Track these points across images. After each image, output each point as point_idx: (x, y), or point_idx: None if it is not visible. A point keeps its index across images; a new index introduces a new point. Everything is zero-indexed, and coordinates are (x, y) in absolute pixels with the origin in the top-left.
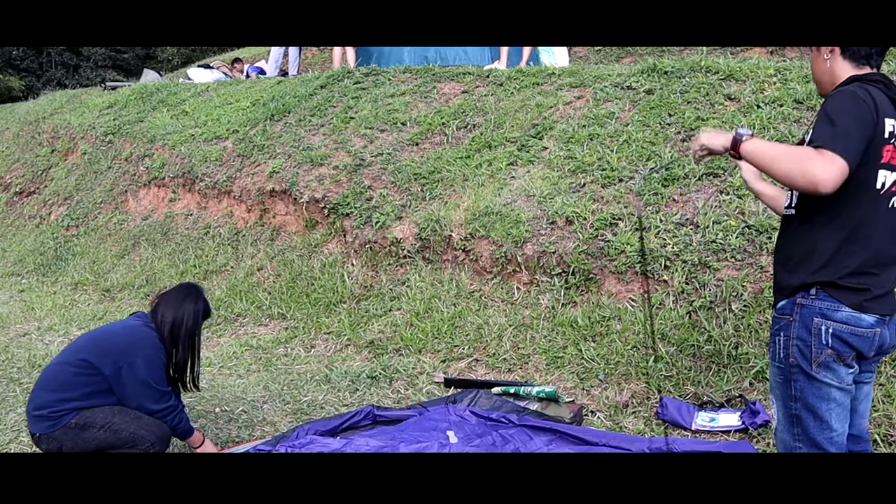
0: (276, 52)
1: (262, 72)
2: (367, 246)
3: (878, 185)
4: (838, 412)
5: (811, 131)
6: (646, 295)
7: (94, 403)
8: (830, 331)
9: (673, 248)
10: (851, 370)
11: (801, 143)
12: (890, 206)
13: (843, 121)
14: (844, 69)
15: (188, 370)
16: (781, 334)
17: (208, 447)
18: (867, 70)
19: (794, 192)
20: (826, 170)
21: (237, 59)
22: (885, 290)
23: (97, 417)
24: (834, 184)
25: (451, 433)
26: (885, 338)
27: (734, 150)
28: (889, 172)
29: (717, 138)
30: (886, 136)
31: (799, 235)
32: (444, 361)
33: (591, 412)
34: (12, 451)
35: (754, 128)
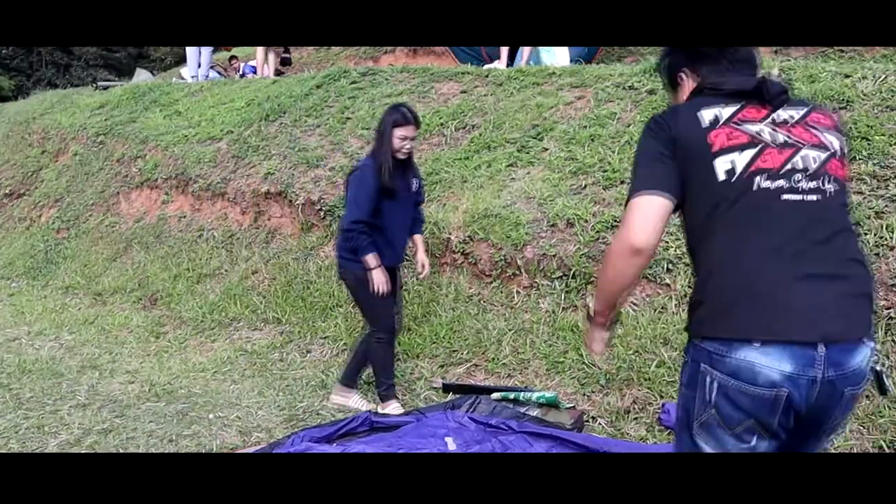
0: (191, 52)
1: (255, 70)
2: None
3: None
4: None
5: None
6: None
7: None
8: None
9: (675, 250)
10: None
11: None
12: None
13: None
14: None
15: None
16: None
17: (374, 268)
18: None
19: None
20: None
21: (233, 57)
22: None
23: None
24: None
25: (449, 440)
26: None
27: (595, 317)
28: (736, 154)
29: (591, 336)
30: (707, 125)
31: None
32: (442, 367)
33: (593, 418)
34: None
35: None
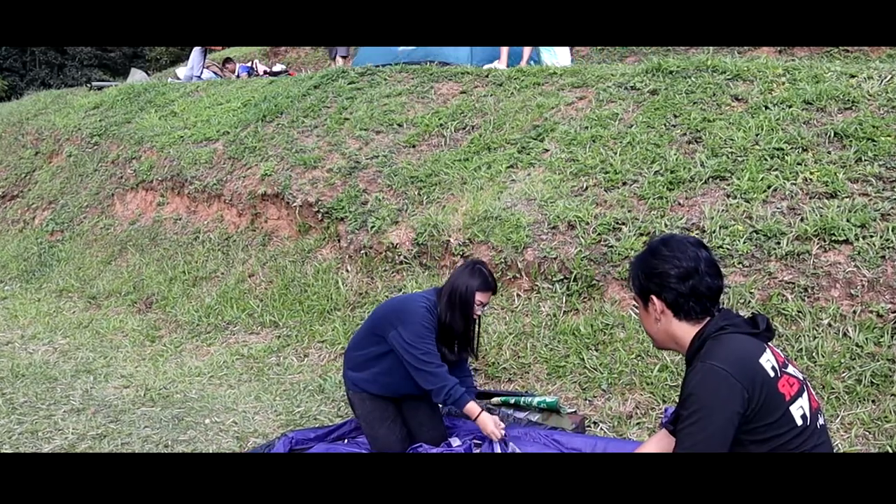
0: (196, 52)
1: (251, 72)
2: (362, 251)
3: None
4: None
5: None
6: None
7: (382, 363)
8: None
9: None
10: None
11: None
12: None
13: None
14: (683, 329)
15: (465, 340)
16: None
17: (483, 417)
18: (707, 320)
19: None
20: None
21: (228, 59)
22: None
23: (358, 409)
24: None
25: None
26: None
27: None
28: (801, 400)
29: None
30: (773, 375)
31: None
32: None
33: (594, 423)
34: None
35: (762, 129)
